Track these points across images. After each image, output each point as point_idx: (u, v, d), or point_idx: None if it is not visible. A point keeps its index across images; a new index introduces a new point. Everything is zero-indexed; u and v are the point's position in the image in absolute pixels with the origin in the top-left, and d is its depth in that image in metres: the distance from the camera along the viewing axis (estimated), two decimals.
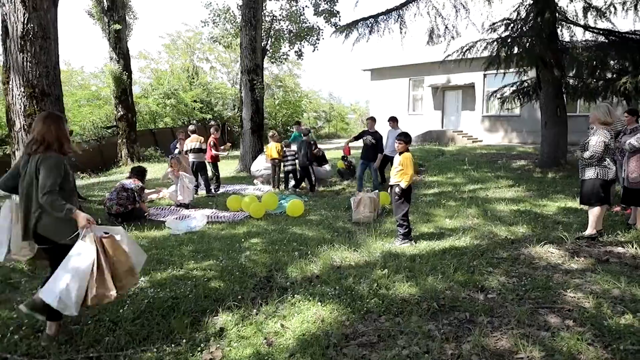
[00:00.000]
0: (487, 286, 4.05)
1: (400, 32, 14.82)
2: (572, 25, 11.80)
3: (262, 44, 12.86)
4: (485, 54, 11.58)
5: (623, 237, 5.53)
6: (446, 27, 14.57)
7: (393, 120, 9.78)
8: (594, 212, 5.48)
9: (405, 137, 5.46)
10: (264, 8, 14.04)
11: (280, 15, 14.82)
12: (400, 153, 5.39)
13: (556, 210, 7.16)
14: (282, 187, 10.26)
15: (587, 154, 5.37)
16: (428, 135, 23.84)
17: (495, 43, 11.19)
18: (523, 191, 8.92)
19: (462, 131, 23.53)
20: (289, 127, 34.91)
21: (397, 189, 5.36)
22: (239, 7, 13.16)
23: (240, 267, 4.68)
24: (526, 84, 13.19)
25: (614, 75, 10.77)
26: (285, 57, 17.27)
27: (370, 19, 14.48)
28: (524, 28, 11.65)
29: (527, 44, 11.19)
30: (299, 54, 16.49)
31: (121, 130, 17.98)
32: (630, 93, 10.19)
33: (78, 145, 14.55)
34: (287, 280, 4.38)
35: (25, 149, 3.07)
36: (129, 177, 7.26)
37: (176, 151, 10.31)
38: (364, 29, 14.52)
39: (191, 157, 8.84)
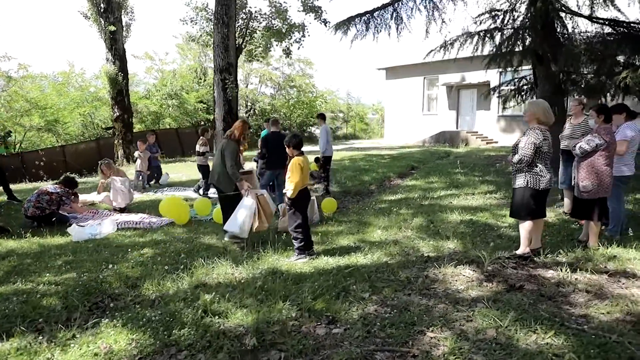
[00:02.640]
0: (341, 318, 3.41)
1: (397, 29, 14.04)
2: (573, 16, 10.71)
3: (237, 42, 12.49)
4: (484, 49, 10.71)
5: (565, 257, 4.71)
6: (443, 21, 13.70)
7: (321, 117, 9.21)
8: (524, 228, 4.69)
9: (290, 140, 4.87)
10: (245, 5, 13.73)
11: (266, 13, 14.40)
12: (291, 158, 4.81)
13: (514, 222, 6.32)
14: None
15: (515, 158, 4.60)
16: (441, 136, 22.83)
17: (477, 37, 10.31)
18: (498, 199, 8.07)
19: (476, 132, 22.36)
20: (305, 128, 34.61)
21: (285, 198, 4.78)
22: None
23: (95, 281, 4.24)
24: (525, 81, 12.17)
25: (617, 69, 9.66)
26: (263, 55, 16.83)
27: (366, 15, 13.82)
28: (514, 19, 10.71)
29: (519, 37, 10.27)
30: (287, 52, 16.01)
31: (117, 131, 18.13)
32: (631, 88, 9.09)
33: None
34: (131, 299, 3.91)
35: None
36: (56, 184, 7.06)
37: (136, 153, 10.12)
38: (361, 25, 13.86)
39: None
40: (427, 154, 17.60)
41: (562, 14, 10.48)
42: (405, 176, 12.39)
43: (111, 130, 19.10)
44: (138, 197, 9.23)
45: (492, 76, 20.86)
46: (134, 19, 18.62)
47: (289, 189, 4.69)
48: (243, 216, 5.28)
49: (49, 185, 6.96)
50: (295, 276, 4.33)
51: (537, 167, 4.51)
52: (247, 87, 32.29)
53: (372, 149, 21.59)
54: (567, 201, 6.70)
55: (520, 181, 4.62)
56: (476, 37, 10.36)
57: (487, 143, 21.30)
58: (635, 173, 5.46)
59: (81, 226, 6.11)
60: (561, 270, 4.28)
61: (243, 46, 14.12)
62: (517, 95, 12.51)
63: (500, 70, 11.43)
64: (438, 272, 4.36)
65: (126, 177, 7.79)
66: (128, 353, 2.93)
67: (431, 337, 3.07)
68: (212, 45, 12.50)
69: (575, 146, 5.01)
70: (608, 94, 9.98)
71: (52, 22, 71.38)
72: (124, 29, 18.49)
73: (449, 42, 11.02)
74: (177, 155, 19.60)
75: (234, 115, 12.16)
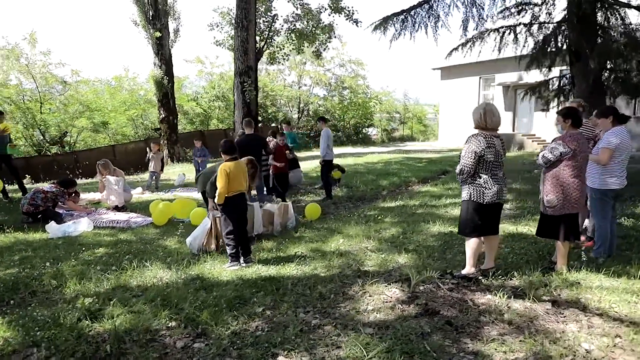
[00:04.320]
0: (213, 332, 3.29)
1: (435, 27, 13.45)
2: (616, 6, 9.58)
3: (258, 45, 12.65)
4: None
5: (518, 280, 4.19)
6: (481, 17, 12.94)
7: (322, 121, 8.88)
8: (469, 245, 4.24)
9: (222, 147, 4.80)
10: (270, 9, 13.85)
11: (288, 15, 14.36)
12: None
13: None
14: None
15: (457, 168, 4.18)
16: None
17: (503, 31, 9.56)
18: (506, 209, 7.41)
19: (534, 135, 20.79)
20: (360, 129, 34.29)
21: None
22: None
23: (29, 277, 4.49)
24: (566, 80, 11.10)
25: None
26: (286, 57, 16.82)
27: (402, 14, 13.43)
28: (550, 13, 9.82)
29: (557, 33, 9.41)
30: (318, 54, 15.91)
31: (163, 132, 19.19)
32: None
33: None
34: (47, 297, 4.08)
35: None
36: (53, 184, 7.64)
37: (149, 155, 10.58)
38: (398, 24, 13.50)
39: None
40: None
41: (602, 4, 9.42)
42: (428, 181, 11.81)
43: (158, 131, 20.27)
44: (147, 196, 9.69)
45: (552, 75, 19.28)
46: (181, 25, 19.61)
47: (216, 195, 4.64)
48: (197, 233, 5.45)
49: (45, 185, 7.49)
50: (212, 284, 4.28)
51: (480, 178, 4.06)
52: (299, 88, 32.70)
53: (418, 152, 20.91)
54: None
55: (464, 194, 4.19)
56: (498, 33, 9.60)
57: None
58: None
59: (64, 223, 6.53)
60: (500, 296, 3.81)
61: (264, 49, 14.28)
62: (559, 96, 11.46)
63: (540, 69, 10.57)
64: (359, 290, 4.07)
65: (122, 177, 8.19)
66: None
67: None
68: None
69: (539, 155, 4.44)
70: None
71: (108, 29, 77.68)
72: (172, 34, 19.54)
73: (472, 38, 10.35)
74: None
75: (253, 117, 12.33)
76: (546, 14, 10.07)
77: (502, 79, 22.17)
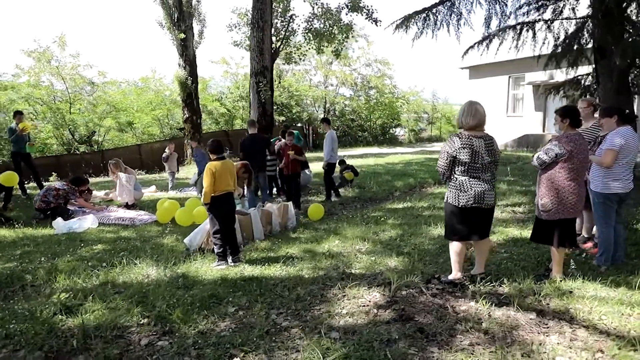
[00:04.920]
0: (180, 330, 3.31)
1: (457, 25, 13.17)
2: None
3: (275, 45, 12.69)
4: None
5: (508, 287, 4.02)
6: (503, 13, 12.57)
7: (326, 123, 8.76)
8: (452, 249, 4.11)
9: (209, 146, 4.82)
10: (287, 9, 13.86)
11: (304, 14, 14.35)
12: None
13: (495, 240, 5.57)
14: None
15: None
16: (524, 140, 20.84)
17: (520, 28, 9.22)
18: (519, 213, 7.19)
19: None
20: (387, 130, 33.94)
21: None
22: None
23: (24, 271, 4.66)
24: (591, 77, 10.59)
25: None
26: (303, 57, 16.77)
27: (424, 12, 13.21)
28: (574, 9, 9.41)
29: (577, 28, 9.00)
30: (337, 54, 15.81)
31: (187, 132, 19.56)
32: None
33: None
34: (35, 291, 4.21)
35: None
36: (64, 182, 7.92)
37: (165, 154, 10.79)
38: (420, 23, 13.30)
39: None
40: None
41: None
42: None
43: (182, 131, 20.67)
44: (159, 194, 9.89)
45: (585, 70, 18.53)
46: (206, 26, 19.93)
47: (202, 195, 4.68)
48: (198, 233, 5.52)
49: (57, 183, 7.76)
50: (194, 282, 4.31)
51: (456, 180, 3.90)
52: (326, 88, 32.67)
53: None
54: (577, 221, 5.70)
55: (445, 195, 4.06)
56: (515, 30, 9.27)
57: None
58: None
59: (76, 219, 6.77)
60: (483, 303, 3.66)
61: (280, 49, 14.31)
62: (585, 94, 10.96)
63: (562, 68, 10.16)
64: (339, 293, 4.00)
65: (133, 175, 8.39)
66: None
67: None
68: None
69: (534, 157, 4.24)
70: None
71: (136, 32, 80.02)
72: (197, 36, 19.89)
73: (489, 35, 10.02)
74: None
75: (268, 117, 12.40)
76: (569, 9, 9.65)
77: (532, 78, 21.44)
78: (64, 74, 19.41)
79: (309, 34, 14.78)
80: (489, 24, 12.28)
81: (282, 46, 14.36)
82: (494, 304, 3.67)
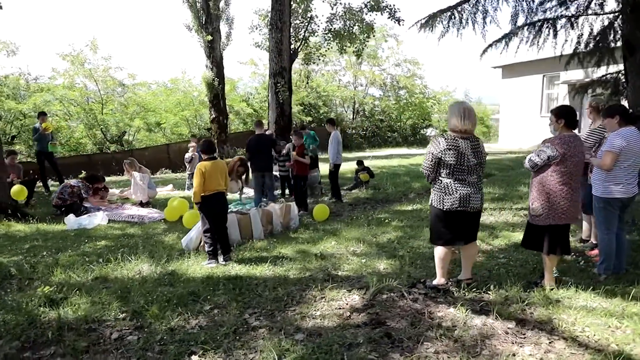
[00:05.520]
0: (151, 326, 3.39)
1: (483, 22, 12.84)
2: None
3: (294, 46, 12.75)
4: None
5: (493, 294, 3.88)
6: (530, 10, 12.17)
7: (330, 123, 8.69)
8: (436, 254, 4.00)
9: (201, 146, 4.91)
10: (308, 9, 13.89)
11: (323, 15, 14.35)
12: None
13: (497, 245, 5.40)
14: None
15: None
16: None
17: (540, 25, 8.87)
18: (527, 217, 6.91)
19: None
20: (417, 130, 33.47)
21: None
22: None
23: (26, 264, 4.89)
24: (621, 76, 10.06)
25: None
26: (322, 58, 16.72)
27: (449, 10, 12.96)
28: (601, 4, 8.99)
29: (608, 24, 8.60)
30: (358, 54, 15.71)
31: (214, 132, 19.96)
32: None
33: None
34: (28, 284, 4.42)
35: None
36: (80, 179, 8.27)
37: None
38: (445, 21, 13.07)
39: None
40: (520, 161, 15.64)
41: None
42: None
43: (210, 131, 21.10)
44: (175, 193, 10.15)
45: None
46: (233, 28, 20.30)
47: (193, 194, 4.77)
48: (192, 234, 5.63)
49: (73, 180, 8.09)
50: (180, 280, 4.40)
51: (441, 182, 3.80)
52: (355, 88, 32.55)
53: None
54: (585, 225, 5.46)
55: (430, 198, 3.97)
56: (533, 28, 8.93)
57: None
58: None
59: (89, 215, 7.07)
60: (462, 310, 3.55)
61: (299, 50, 14.36)
62: (616, 95, 10.44)
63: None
64: (319, 294, 3.98)
65: (147, 174, 8.64)
66: None
67: None
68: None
69: (526, 159, 4.08)
70: None
71: (165, 35, 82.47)
72: (224, 37, 20.28)
73: (508, 34, 9.70)
74: None
75: (286, 118, 12.48)
76: (596, 4, 9.22)
77: (567, 77, 20.56)
78: (96, 76, 20.27)
79: (329, 35, 14.79)
80: (516, 21, 11.87)
81: (301, 46, 14.43)
82: (473, 311, 3.55)
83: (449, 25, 12.19)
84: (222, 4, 20.12)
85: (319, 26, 14.71)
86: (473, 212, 3.86)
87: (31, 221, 7.05)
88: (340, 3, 14.48)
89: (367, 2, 13.99)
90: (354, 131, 29.26)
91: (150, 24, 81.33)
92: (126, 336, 3.29)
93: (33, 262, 5.02)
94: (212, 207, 4.83)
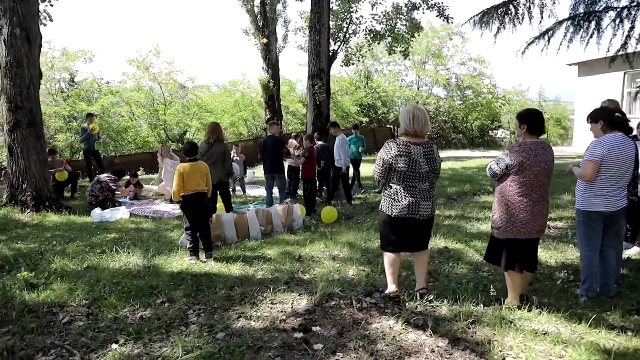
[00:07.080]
0: (102, 315, 3.68)
1: (541, 16, 12.14)
2: None
3: (333, 48, 12.81)
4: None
5: (446, 308, 3.72)
6: (592, 1, 11.30)
7: (335, 126, 8.61)
8: (385, 260, 3.91)
9: (183, 148, 5.17)
10: (349, 10, 13.84)
11: (362, 15, 14.14)
12: None
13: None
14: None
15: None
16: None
17: (579, 20, 8.13)
18: (549, 228, 6.47)
19: None
20: (486, 131, 31.89)
21: None
22: None
23: (36, 251, 5.49)
24: None
25: None
26: (362, 57, 16.44)
27: (503, 6, 12.42)
28: None
29: None
30: (405, 54, 15.40)
31: (269, 131, 20.62)
32: None
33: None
34: (32, 268, 4.96)
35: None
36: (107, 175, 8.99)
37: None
38: (501, 17, 12.55)
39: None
40: None
41: None
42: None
43: (265, 131, 21.80)
44: None
45: None
46: (290, 30, 20.85)
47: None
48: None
49: (101, 176, 8.76)
50: (156, 273, 4.69)
51: (391, 188, 3.71)
52: (418, 89, 31.76)
53: None
54: None
55: (380, 204, 3.89)
56: (573, 21, 8.22)
57: None
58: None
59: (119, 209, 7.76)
60: (399, 323, 3.45)
61: (338, 51, 14.36)
62: None
63: None
64: (270, 296, 4.06)
65: (178, 161, 9.09)
66: None
67: (113, 349, 3.10)
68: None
69: (487, 166, 3.84)
70: None
71: (224, 40, 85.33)
72: (281, 40, 20.89)
73: (547, 31, 9.00)
74: None
75: (324, 119, 12.58)
76: None
77: None
78: (160, 79, 21.84)
79: (370, 35, 14.67)
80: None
81: (341, 46, 14.48)
82: (414, 325, 3.43)
83: (504, 21, 11.57)
84: (278, 7, 20.74)
85: (359, 27, 14.67)
86: (423, 220, 3.72)
87: (64, 213, 7.84)
88: (381, 3, 14.32)
89: (411, 1, 13.69)
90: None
91: (211, 30, 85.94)
92: (75, 321, 3.61)
93: (43, 249, 5.60)
94: (191, 206, 5.09)
